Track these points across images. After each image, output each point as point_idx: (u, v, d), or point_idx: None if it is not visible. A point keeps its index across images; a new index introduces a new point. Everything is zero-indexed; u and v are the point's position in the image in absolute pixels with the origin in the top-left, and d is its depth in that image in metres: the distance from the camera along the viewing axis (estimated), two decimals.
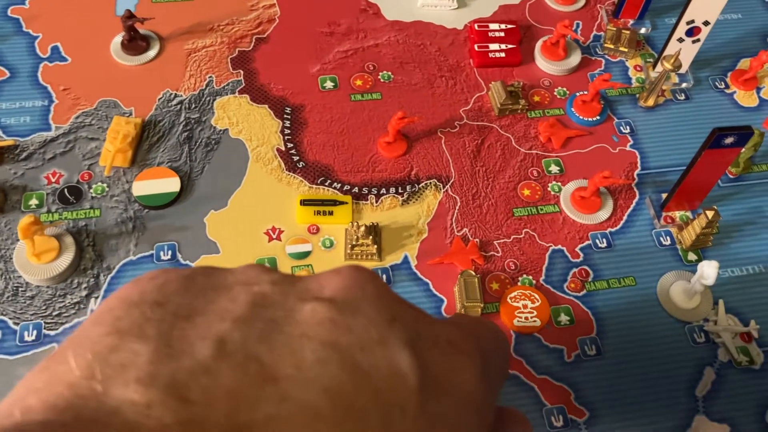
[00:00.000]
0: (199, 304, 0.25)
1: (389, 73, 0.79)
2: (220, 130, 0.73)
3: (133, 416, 0.20)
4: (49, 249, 0.63)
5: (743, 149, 0.68)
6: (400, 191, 0.70)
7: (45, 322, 0.61)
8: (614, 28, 0.83)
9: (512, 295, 0.64)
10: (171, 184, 0.68)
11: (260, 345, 0.23)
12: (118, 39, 0.78)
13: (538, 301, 0.64)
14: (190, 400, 0.20)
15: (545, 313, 0.64)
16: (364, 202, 0.70)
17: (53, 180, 0.69)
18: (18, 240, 0.64)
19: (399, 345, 0.25)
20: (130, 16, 0.75)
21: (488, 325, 0.33)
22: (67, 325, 0.61)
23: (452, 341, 0.27)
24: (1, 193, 0.67)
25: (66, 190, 0.68)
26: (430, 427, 0.24)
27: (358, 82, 0.78)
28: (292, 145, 0.73)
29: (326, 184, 0.70)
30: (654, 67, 0.81)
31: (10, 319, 0.61)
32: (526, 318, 0.63)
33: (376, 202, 0.70)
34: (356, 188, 0.70)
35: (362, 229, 0.64)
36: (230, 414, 0.20)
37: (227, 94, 0.76)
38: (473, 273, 0.64)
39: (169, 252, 0.65)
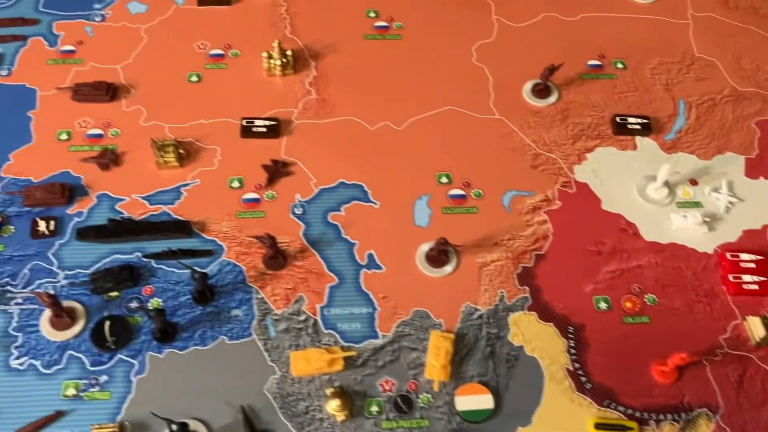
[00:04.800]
0: None
1: (654, 296, 0.91)
2: (517, 347, 0.86)
3: None
4: None
5: None
6: (676, 419, 0.82)
7: None
8: None
9: None
10: (485, 401, 0.81)
11: None
12: (423, 248, 0.92)
13: None
14: None
15: None
16: (646, 427, 0.81)
17: (386, 388, 0.82)
18: None
19: None
20: (444, 243, 0.89)
21: None
22: None
23: None
24: (347, 398, 0.81)
25: (399, 398, 0.82)
26: None
27: (628, 304, 0.90)
28: (578, 365, 0.85)
29: (611, 406, 0.82)
30: None
31: None
32: None
33: (657, 428, 0.81)
34: (637, 412, 0.82)
35: None
36: None
37: (518, 310, 0.89)
38: None
39: None
